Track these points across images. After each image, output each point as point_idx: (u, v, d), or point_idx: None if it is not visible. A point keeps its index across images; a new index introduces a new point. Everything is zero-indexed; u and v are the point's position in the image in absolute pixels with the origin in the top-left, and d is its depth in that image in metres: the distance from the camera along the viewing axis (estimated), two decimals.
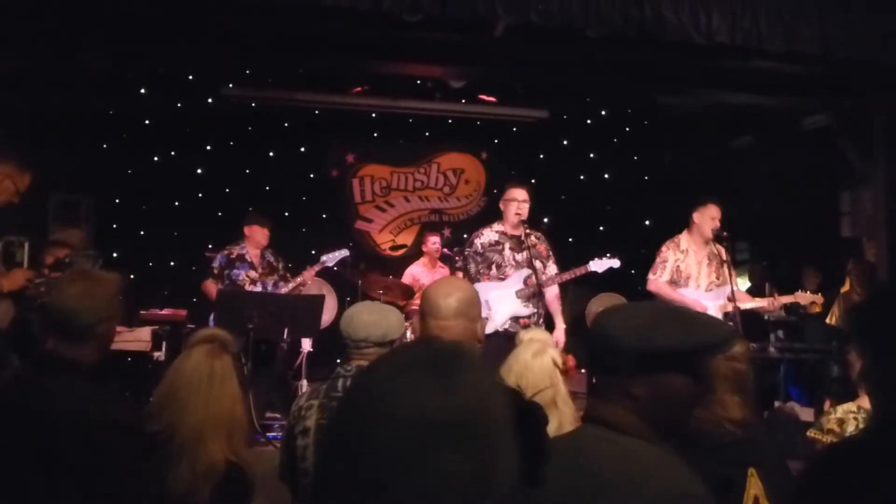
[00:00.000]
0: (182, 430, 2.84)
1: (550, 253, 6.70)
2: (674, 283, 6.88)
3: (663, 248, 6.97)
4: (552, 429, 3.31)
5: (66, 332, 2.78)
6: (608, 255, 6.72)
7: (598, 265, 6.65)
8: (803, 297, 7.20)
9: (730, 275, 6.74)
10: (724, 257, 6.87)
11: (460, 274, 6.64)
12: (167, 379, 2.97)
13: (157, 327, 7.49)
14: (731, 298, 6.63)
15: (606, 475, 1.78)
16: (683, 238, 6.98)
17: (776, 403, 7.70)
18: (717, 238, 6.86)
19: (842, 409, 3.48)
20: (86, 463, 2.55)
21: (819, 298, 7.38)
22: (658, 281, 6.88)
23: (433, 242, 9.40)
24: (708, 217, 6.85)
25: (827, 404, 4.25)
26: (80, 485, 2.55)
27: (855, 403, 3.49)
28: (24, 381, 2.88)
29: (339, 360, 7.67)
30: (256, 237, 7.93)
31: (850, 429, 3.39)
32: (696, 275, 6.92)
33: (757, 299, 7.20)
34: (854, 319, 1.99)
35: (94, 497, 2.56)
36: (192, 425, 2.84)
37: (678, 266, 6.91)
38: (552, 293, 6.54)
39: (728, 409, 3.42)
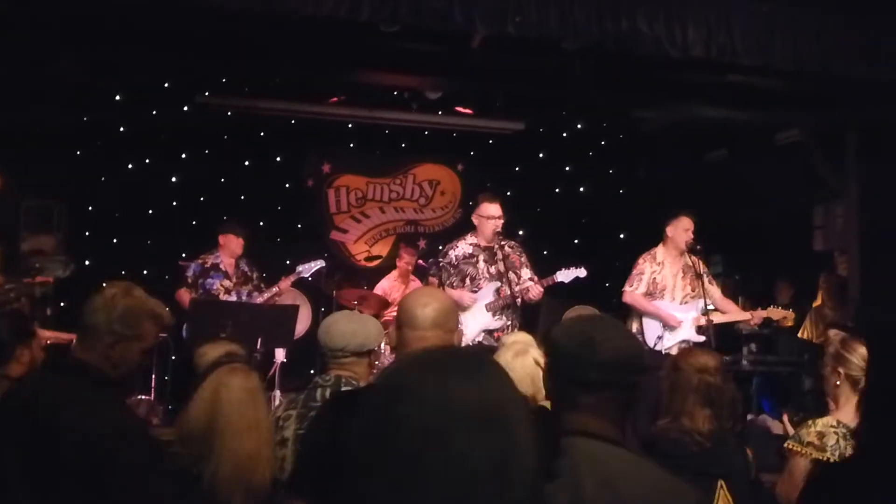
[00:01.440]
0: (229, 457, 2.77)
1: (525, 260, 6.71)
2: (649, 294, 6.94)
3: (640, 261, 7.03)
4: None
5: (80, 331, 2.78)
6: (575, 265, 6.74)
7: (565, 275, 6.68)
8: (776, 313, 7.28)
9: (704, 288, 6.82)
10: (700, 270, 6.93)
11: (434, 281, 6.62)
12: (198, 407, 2.88)
13: None
14: (705, 312, 6.71)
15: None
16: (659, 251, 7.05)
17: (749, 416, 7.73)
18: (692, 250, 6.94)
19: (821, 423, 3.48)
20: (88, 471, 2.53)
21: (790, 314, 7.46)
22: (634, 293, 6.94)
23: (407, 262, 9.37)
24: (681, 229, 6.94)
25: (785, 418, 4.24)
26: (82, 492, 2.53)
27: (833, 417, 3.49)
28: (35, 383, 2.87)
29: (312, 371, 7.69)
30: (231, 246, 7.88)
31: (831, 442, 3.39)
32: (671, 287, 6.98)
33: (740, 312, 7.30)
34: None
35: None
36: (245, 451, 2.78)
37: (654, 278, 6.96)
38: (536, 292, 6.52)
39: (696, 422, 3.44)
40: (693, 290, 6.97)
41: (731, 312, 7.14)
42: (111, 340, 2.77)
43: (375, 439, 1.10)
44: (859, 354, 3.42)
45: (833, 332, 3.77)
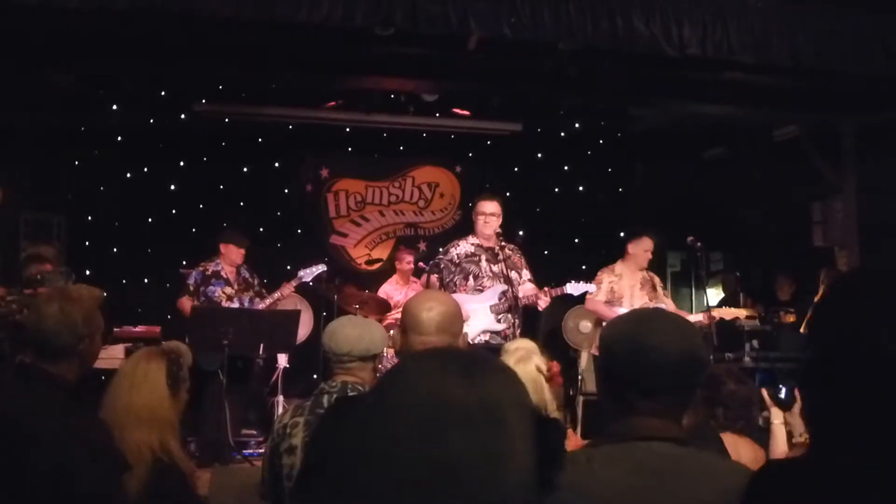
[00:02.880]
0: (107, 418, 3.04)
1: (524, 263, 6.72)
2: (609, 302, 7.55)
3: (599, 273, 7.70)
4: None
5: (45, 353, 2.77)
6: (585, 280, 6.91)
7: (575, 288, 6.73)
8: (727, 313, 7.82)
9: (663, 299, 7.64)
10: (657, 284, 7.73)
11: (435, 279, 6.61)
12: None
13: (130, 344, 7.41)
14: (706, 309, 7.05)
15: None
16: (618, 265, 7.75)
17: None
18: (691, 248, 7.51)
19: None
20: (56, 481, 2.52)
21: (742, 312, 7.95)
22: (594, 300, 7.55)
23: (408, 262, 9.36)
24: (641, 249, 7.62)
25: (764, 392, 4.24)
26: (46, 499, 2.53)
27: None
28: (3, 394, 2.87)
29: (315, 376, 7.69)
30: (231, 256, 7.87)
31: None
32: (628, 296, 7.59)
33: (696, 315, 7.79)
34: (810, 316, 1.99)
35: None
36: (114, 413, 3.07)
37: (612, 287, 7.62)
38: (544, 302, 6.56)
39: None
40: (651, 301, 7.51)
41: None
42: (81, 346, 2.81)
43: (368, 435, 1.10)
44: None
45: None
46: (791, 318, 8.99)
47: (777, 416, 3.92)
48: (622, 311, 7.07)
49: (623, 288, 7.63)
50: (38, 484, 2.52)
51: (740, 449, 3.61)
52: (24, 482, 2.53)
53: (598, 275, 7.65)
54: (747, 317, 8.14)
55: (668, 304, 7.54)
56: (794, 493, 1.65)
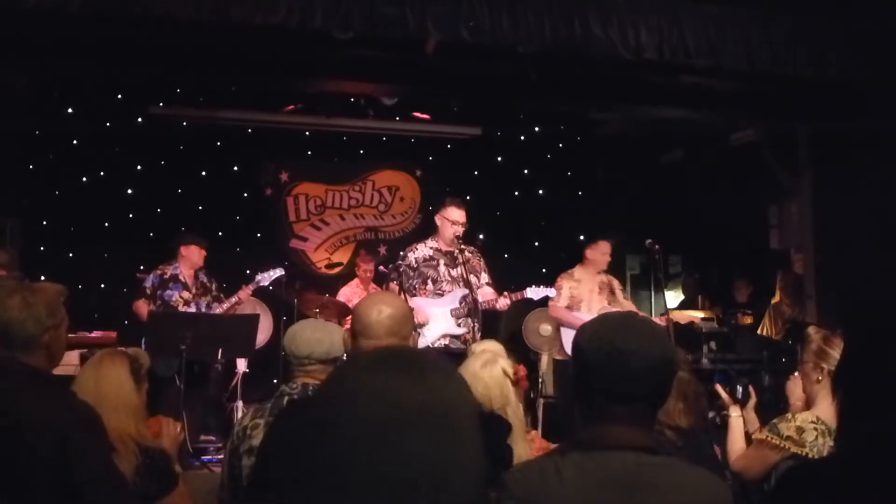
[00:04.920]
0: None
1: (483, 265, 6.73)
2: (570, 307, 7.66)
3: (558, 279, 7.76)
4: None
5: (13, 344, 2.78)
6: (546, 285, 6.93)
7: (535, 293, 6.78)
8: (681, 316, 8.34)
9: (622, 301, 7.77)
10: (615, 287, 7.88)
11: (395, 286, 6.60)
12: None
13: (86, 350, 7.31)
14: (664, 312, 7.25)
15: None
16: (577, 270, 7.86)
17: (710, 414, 7.79)
18: (650, 251, 7.54)
19: (801, 418, 3.51)
20: (56, 462, 2.56)
21: (698, 316, 8.41)
22: (556, 305, 7.68)
23: (365, 271, 9.35)
24: (599, 253, 7.76)
25: (718, 387, 4.33)
26: (53, 482, 2.56)
27: (812, 413, 3.52)
28: None
29: (275, 381, 7.64)
30: (193, 258, 7.81)
31: (810, 438, 3.41)
32: (587, 300, 7.70)
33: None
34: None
35: (70, 495, 2.57)
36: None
37: (572, 293, 7.72)
38: (503, 304, 6.57)
39: (672, 416, 3.50)
40: (609, 304, 7.66)
41: None
42: (47, 337, 2.82)
43: (318, 441, 1.08)
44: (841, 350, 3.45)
45: (813, 329, 3.78)
46: (748, 321, 9.08)
47: (734, 409, 4.02)
48: (583, 316, 7.23)
49: (582, 292, 7.71)
50: (40, 468, 2.55)
51: None
52: (26, 468, 2.55)
53: (557, 280, 7.69)
54: (704, 318, 8.24)
55: (627, 307, 7.58)
56: (826, 493, 1.66)
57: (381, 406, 1.07)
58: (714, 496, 1.91)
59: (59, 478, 2.56)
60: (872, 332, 1.83)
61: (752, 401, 4.13)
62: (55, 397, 2.76)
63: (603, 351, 1.90)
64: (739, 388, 4.19)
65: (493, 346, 3.82)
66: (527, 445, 3.47)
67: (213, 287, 7.98)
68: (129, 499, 2.84)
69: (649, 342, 1.90)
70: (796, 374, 4.01)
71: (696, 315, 8.20)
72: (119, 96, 9.35)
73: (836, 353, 3.47)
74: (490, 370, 3.56)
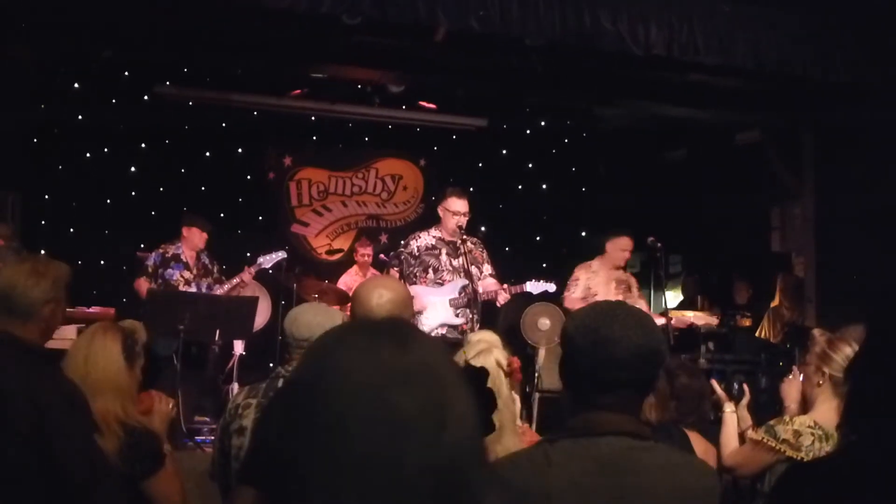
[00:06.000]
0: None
1: (486, 256, 6.73)
2: (584, 299, 7.36)
3: (576, 269, 7.65)
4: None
5: (11, 310, 2.80)
6: (546, 279, 6.93)
7: (534, 287, 6.77)
8: (700, 318, 8.13)
9: (637, 300, 7.47)
10: (633, 285, 7.69)
11: (395, 272, 6.60)
12: None
13: (83, 325, 7.30)
14: (664, 312, 7.23)
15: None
16: (595, 262, 7.67)
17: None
18: (651, 249, 7.48)
19: (798, 422, 3.50)
20: (36, 439, 2.57)
21: (700, 318, 8.22)
22: (571, 297, 7.53)
23: (362, 255, 9.36)
24: (618, 248, 7.54)
25: (714, 382, 4.34)
26: (30, 458, 2.57)
27: (810, 417, 3.52)
28: None
29: (272, 364, 7.64)
30: (194, 239, 7.82)
31: (807, 443, 3.40)
32: (602, 294, 7.45)
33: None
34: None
35: (48, 471, 2.58)
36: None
37: (588, 284, 7.54)
38: (503, 298, 6.58)
39: (643, 412, 3.50)
40: (626, 300, 7.22)
41: None
42: (48, 310, 2.84)
43: (304, 397, 1.11)
44: (844, 355, 3.43)
45: (818, 331, 3.78)
46: (747, 322, 9.07)
47: (728, 406, 4.03)
48: None
49: (598, 285, 7.55)
50: (18, 442, 2.57)
51: (692, 443, 3.66)
52: (4, 441, 2.56)
53: (575, 271, 7.62)
54: (702, 319, 8.22)
55: (642, 307, 7.47)
56: (827, 491, 1.66)
57: (372, 374, 1.09)
58: (699, 480, 1.96)
59: (36, 454, 2.57)
60: (890, 332, 1.83)
61: (746, 398, 4.14)
62: (40, 373, 2.76)
63: (589, 339, 1.94)
64: (735, 386, 4.19)
65: (488, 337, 3.81)
66: (517, 438, 3.47)
67: (215, 269, 7.98)
68: (109, 479, 2.83)
69: (634, 331, 1.94)
70: (791, 375, 4.01)
71: (695, 318, 8.18)
72: (126, 74, 9.33)
73: (839, 358, 3.46)
74: (483, 360, 3.55)
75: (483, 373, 1.17)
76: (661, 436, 3.45)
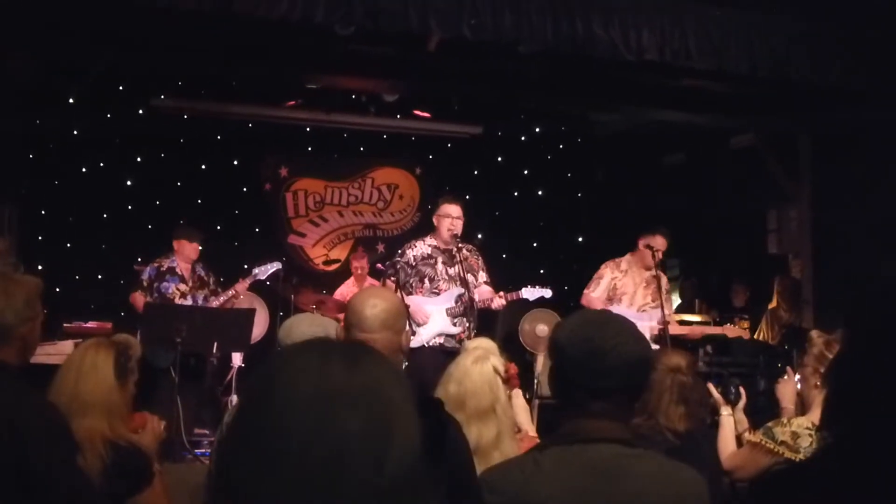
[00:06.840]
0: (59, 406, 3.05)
1: (482, 264, 6.72)
2: (609, 300, 7.15)
3: (602, 266, 7.32)
4: (491, 436, 3.33)
5: None
6: (541, 285, 6.83)
7: (530, 293, 6.74)
8: (731, 331, 7.85)
9: (664, 302, 7.08)
10: (663, 285, 7.22)
11: (391, 282, 6.60)
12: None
13: (80, 340, 7.29)
14: (661, 322, 6.93)
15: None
16: (625, 259, 7.32)
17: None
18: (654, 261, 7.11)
19: (796, 423, 3.50)
20: (14, 463, 2.53)
21: (695, 329, 7.90)
22: (590, 295, 7.21)
23: (357, 267, 9.36)
24: (651, 247, 7.08)
25: (710, 385, 4.34)
26: (8, 485, 2.53)
27: (808, 419, 3.51)
28: None
29: None
30: (186, 251, 7.81)
31: (805, 444, 3.40)
32: (631, 294, 7.22)
33: (684, 327, 7.66)
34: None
35: (24, 493, 2.54)
36: (61, 403, 3.03)
37: (615, 284, 7.21)
38: (498, 304, 6.56)
39: (671, 420, 3.54)
40: (654, 301, 7.19)
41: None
42: (24, 329, 2.79)
43: (252, 415, 1.12)
44: None
45: (816, 333, 3.79)
46: (745, 325, 9.08)
47: (725, 409, 4.06)
48: (619, 310, 6.71)
49: (627, 285, 7.25)
50: None
51: None
52: None
53: (600, 268, 7.31)
54: (701, 322, 8.20)
55: (668, 309, 7.24)
56: (804, 495, 1.67)
57: (320, 395, 1.10)
58: (687, 487, 1.98)
59: (15, 477, 2.53)
60: (872, 332, 1.84)
61: (743, 401, 4.15)
62: (18, 397, 2.70)
63: (583, 348, 1.97)
64: (732, 389, 4.19)
65: (485, 344, 3.82)
66: (515, 444, 3.47)
67: (211, 280, 7.98)
68: (91, 501, 2.79)
69: (625, 339, 1.98)
70: (786, 376, 4.02)
71: (690, 329, 8.16)
72: (120, 87, 9.33)
73: None
74: (480, 367, 3.56)
75: (438, 403, 1.17)
76: (689, 445, 3.47)
